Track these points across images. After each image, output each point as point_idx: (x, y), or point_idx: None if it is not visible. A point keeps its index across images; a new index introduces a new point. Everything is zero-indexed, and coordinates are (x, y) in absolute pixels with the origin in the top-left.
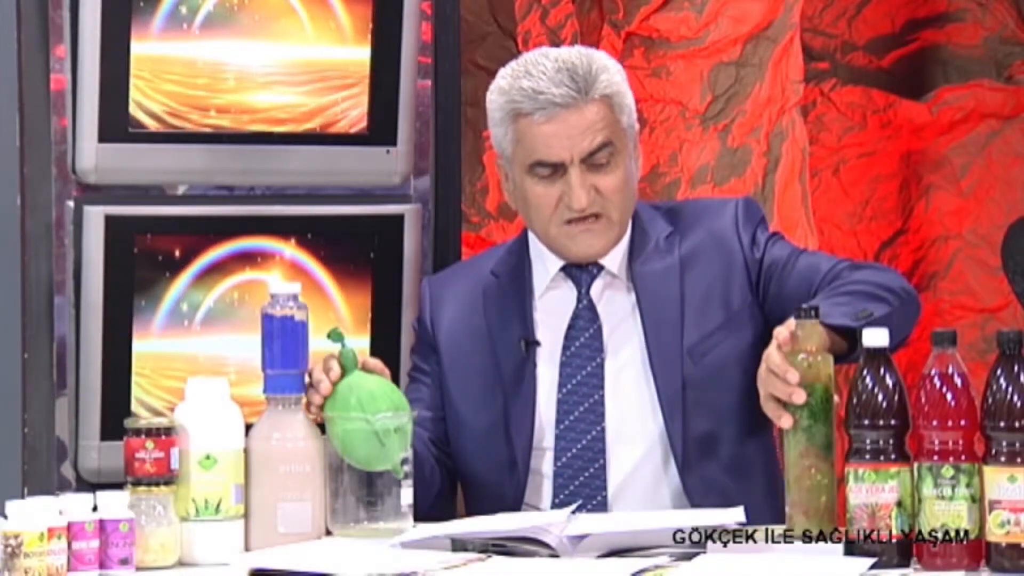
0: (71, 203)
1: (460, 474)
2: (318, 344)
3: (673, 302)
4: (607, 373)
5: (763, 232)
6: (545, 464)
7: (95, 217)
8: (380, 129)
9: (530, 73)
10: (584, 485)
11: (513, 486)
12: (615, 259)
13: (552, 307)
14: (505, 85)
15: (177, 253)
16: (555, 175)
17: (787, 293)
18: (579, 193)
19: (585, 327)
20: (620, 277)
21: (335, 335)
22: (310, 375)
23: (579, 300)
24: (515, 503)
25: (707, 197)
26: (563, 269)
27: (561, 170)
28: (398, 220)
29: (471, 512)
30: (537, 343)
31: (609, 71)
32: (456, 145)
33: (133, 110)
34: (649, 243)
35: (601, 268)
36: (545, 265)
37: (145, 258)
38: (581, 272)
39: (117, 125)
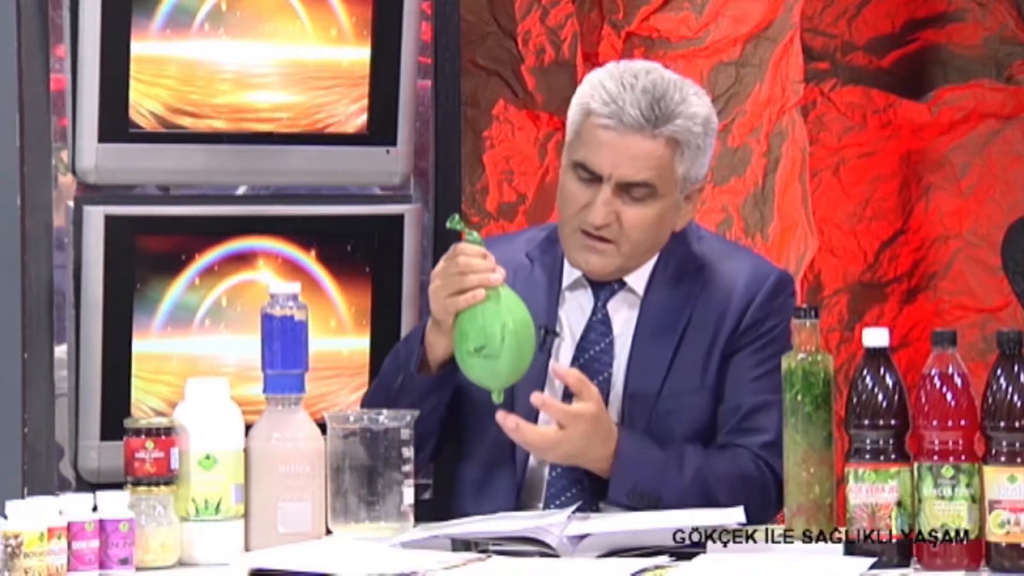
0: (71, 203)
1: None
2: (318, 344)
3: (667, 348)
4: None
5: (772, 320)
6: (544, 464)
7: (95, 217)
8: (380, 129)
9: (622, 79)
10: (578, 497)
11: (508, 476)
12: (639, 279)
13: (570, 310)
14: (599, 77)
15: (177, 253)
16: (592, 182)
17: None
18: (599, 210)
19: (597, 340)
20: (638, 295)
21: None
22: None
23: (594, 312)
24: (509, 496)
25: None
26: (585, 274)
27: (598, 180)
28: (398, 220)
29: (461, 508)
30: (556, 334)
31: (693, 119)
32: (456, 145)
33: (133, 110)
34: (675, 270)
35: (623, 284)
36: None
37: (145, 258)
38: (601, 283)
39: (117, 125)
